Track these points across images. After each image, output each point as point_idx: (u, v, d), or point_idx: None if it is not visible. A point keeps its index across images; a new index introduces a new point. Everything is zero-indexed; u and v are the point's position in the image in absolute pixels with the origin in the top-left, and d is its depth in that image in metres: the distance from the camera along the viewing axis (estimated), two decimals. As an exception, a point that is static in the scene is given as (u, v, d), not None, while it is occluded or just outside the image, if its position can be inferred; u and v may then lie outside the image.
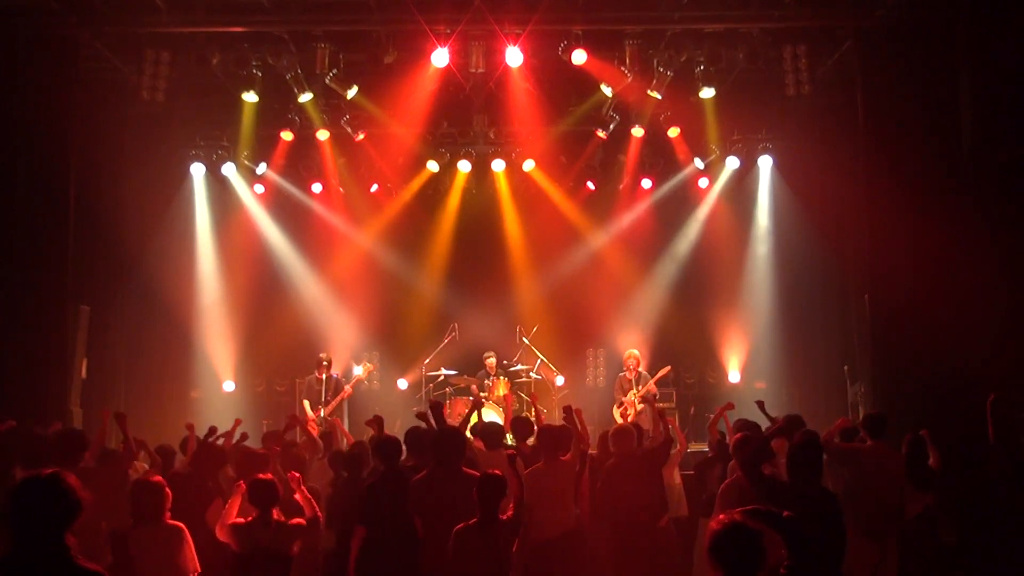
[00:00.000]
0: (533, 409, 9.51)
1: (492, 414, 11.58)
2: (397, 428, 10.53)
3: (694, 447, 10.28)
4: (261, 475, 5.76)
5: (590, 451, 7.50)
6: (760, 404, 7.87)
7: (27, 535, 3.27)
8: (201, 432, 7.59)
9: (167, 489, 5.43)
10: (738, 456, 5.91)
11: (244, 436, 7.88)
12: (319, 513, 5.78)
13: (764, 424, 7.61)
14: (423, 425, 7.10)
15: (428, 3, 9.90)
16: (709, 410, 10.03)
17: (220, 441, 7.47)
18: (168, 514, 5.37)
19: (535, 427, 7.72)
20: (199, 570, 5.37)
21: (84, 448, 6.60)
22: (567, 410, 7.28)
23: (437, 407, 7.01)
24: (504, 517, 5.33)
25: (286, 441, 7.85)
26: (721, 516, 3.57)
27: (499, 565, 5.21)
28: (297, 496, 5.80)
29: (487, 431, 7.56)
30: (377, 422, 7.29)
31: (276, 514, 5.61)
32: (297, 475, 5.93)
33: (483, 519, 5.24)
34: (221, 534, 5.52)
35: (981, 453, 6.02)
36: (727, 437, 8.22)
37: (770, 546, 3.47)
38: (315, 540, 6.12)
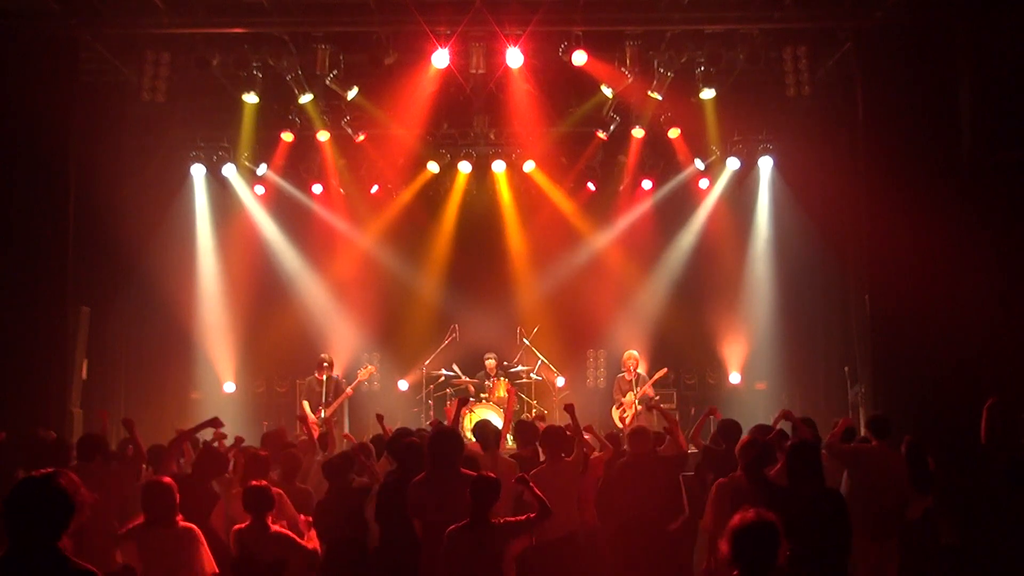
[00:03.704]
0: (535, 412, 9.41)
1: (492, 415, 11.59)
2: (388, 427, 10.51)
3: (693, 448, 10.27)
4: (255, 481, 5.76)
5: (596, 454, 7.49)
6: (787, 413, 7.89)
7: (22, 537, 3.25)
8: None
9: (176, 491, 5.38)
10: (742, 459, 5.92)
11: (239, 439, 7.85)
12: (318, 547, 5.77)
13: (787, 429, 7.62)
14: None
15: (429, 4, 9.90)
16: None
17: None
18: (180, 516, 5.32)
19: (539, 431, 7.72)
20: (217, 571, 5.31)
21: (100, 450, 6.64)
22: (569, 408, 7.30)
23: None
24: (503, 520, 5.32)
25: (283, 442, 7.84)
26: (740, 514, 3.56)
27: (489, 566, 5.20)
28: (308, 540, 5.79)
29: (481, 432, 7.56)
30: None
31: (271, 520, 5.61)
32: (307, 519, 5.92)
33: (474, 520, 5.24)
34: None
35: (980, 454, 6.04)
36: (719, 443, 8.21)
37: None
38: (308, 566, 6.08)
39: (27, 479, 3.35)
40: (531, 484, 5.63)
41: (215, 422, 7.28)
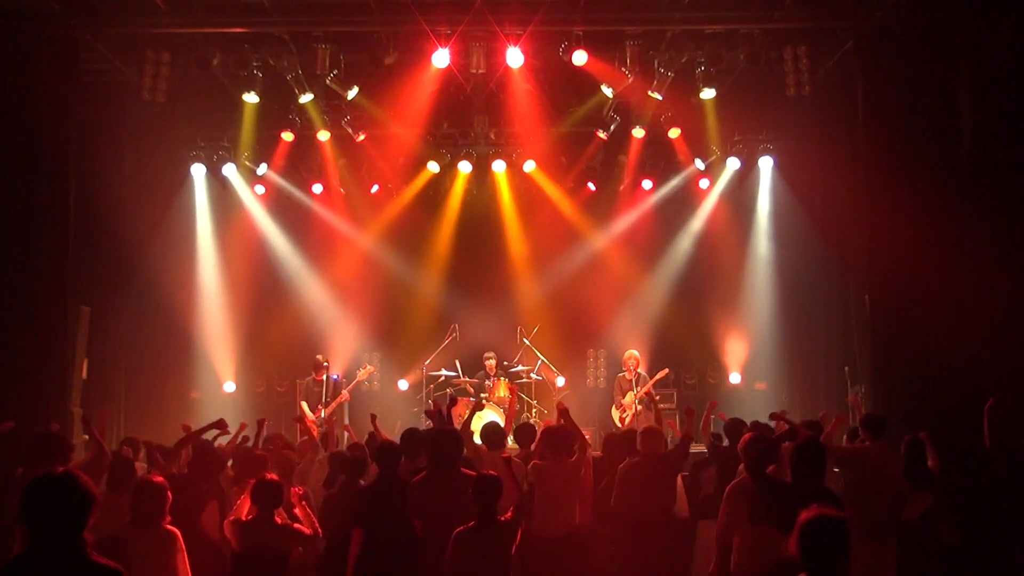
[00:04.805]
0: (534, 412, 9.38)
1: (493, 415, 11.58)
2: (397, 429, 10.53)
3: (694, 448, 10.27)
4: (268, 475, 5.76)
5: (593, 453, 7.52)
6: (782, 414, 7.92)
7: (43, 534, 3.28)
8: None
9: (168, 491, 5.39)
10: (745, 456, 5.92)
11: (245, 439, 7.87)
12: (319, 529, 5.77)
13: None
14: (422, 426, 7.11)
15: (429, 4, 9.90)
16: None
17: (218, 442, 7.46)
18: (168, 518, 5.32)
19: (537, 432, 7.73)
20: None
21: (65, 450, 6.57)
22: (562, 411, 7.31)
23: (438, 414, 7.13)
24: (502, 518, 5.33)
25: (282, 443, 7.85)
26: (805, 512, 3.55)
27: (499, 566, 5.20)
28: (297, 511, 5.78)
29: (488, 432, 7.57)
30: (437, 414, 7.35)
31: (278, 516, 5.61)
32: (299, 490, 5.91)
33: (481, 521, 5.24)
34: (226, 531, 5.52)
35: (980, 454, 6.03)
36: (721, 439, 8.25)
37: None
38: (311, 551, 6.09)
39: (44, 476, 3.38)
40: (510, 465, 5.61)
41: (220, 424, 7.27)
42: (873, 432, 7.10)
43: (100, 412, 7.94)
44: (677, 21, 10.23)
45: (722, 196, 14.03)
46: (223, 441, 7.66)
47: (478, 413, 11.93)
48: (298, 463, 7.28)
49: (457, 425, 7.33)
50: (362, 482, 6.66)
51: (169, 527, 5.29)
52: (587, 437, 7.72)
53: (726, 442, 8.03)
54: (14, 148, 9.64)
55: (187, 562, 5.28)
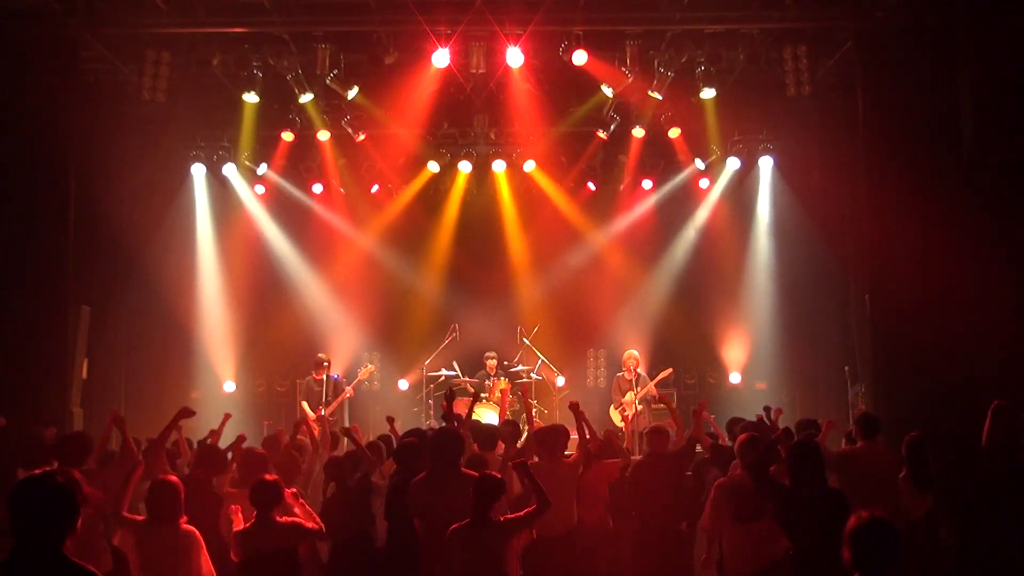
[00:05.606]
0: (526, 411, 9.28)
1: (492, 414, 11.58)
2: (397, 428, 10.51)
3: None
4: (265, 476, 5.75)
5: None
6: (767, 409, 7.90)
7: (26, 537, 3.24)
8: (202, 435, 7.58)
9: (182, 491, 5.38)
10: (744, 457, 5.91)
11: (242, 437, 7.85)
12: (320, 524, 5.77)
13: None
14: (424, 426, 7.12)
15: (429, 3, 9.90)
16: (710, 411, 10.03)
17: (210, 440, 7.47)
18: (185, 517, 5.32)
19: (522, 430, 7.72)
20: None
21: (88, 451, 6.58)
22: (574, 407, 7.30)
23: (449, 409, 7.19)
24: (501, 518, 5.33)
25: (285, 443, 7.83)
26: (854, 515, 3.51)
27: (494, 565, 5.19)
28: (297, 510, 5.77)
29: (481, 433, 7.57)
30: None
31: (277, 515, 5.60)
32: (293, 490, 5.90)
33: (475, 519, 5.24)
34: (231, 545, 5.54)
35: (981, 455, 6.03)
36: (720, 439, 8.24)
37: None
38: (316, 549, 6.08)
39: (30, 478, 3.35)
40: (531, 474, 5.62)
41: (185, 412, 7.24)
42: (865, 431, 7.08)
43: (111, 413, 7.93)
44: (677, 21, 10.23)
45: (722, 196, 14.04)
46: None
47: (477, 410, 12.01)
48: (302, 463, 7.27)
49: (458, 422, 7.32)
50: (374, 480, 6.72)
51: (187, 527, 5.30)
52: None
53: (726, 442, 8.02)
54: (14, 148, 9.64)
55: (209, 560, 5.28)
